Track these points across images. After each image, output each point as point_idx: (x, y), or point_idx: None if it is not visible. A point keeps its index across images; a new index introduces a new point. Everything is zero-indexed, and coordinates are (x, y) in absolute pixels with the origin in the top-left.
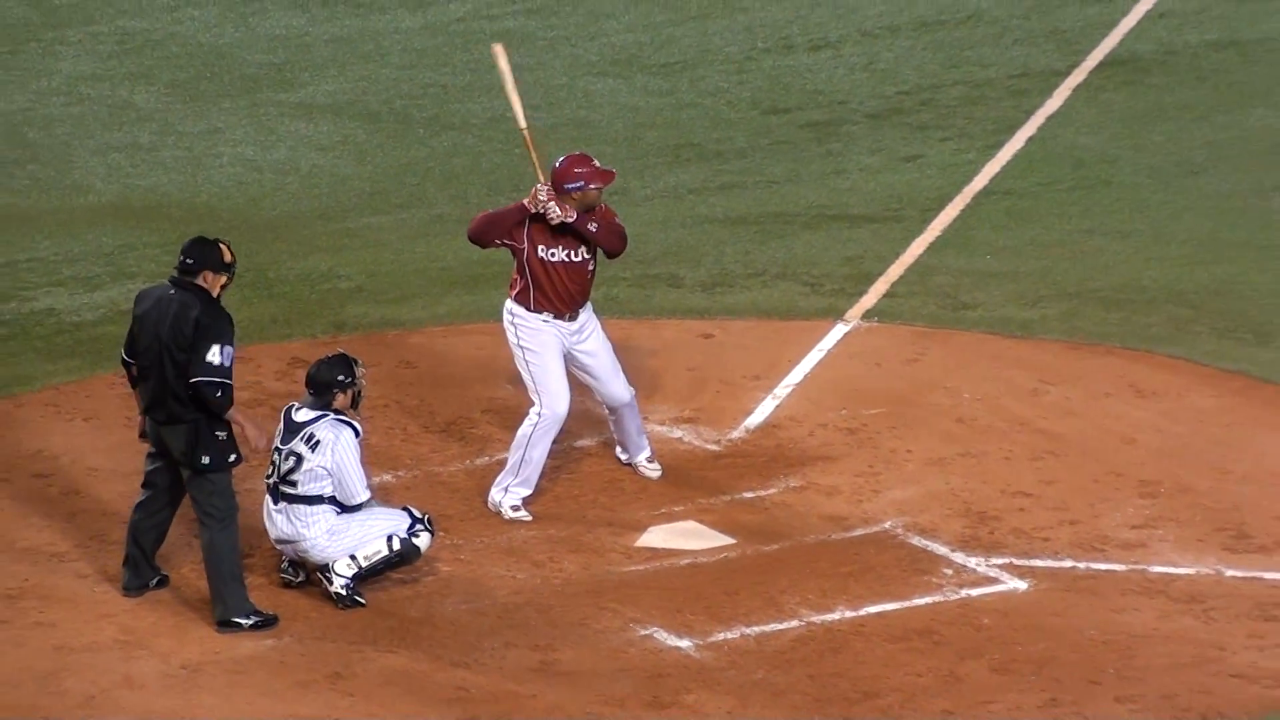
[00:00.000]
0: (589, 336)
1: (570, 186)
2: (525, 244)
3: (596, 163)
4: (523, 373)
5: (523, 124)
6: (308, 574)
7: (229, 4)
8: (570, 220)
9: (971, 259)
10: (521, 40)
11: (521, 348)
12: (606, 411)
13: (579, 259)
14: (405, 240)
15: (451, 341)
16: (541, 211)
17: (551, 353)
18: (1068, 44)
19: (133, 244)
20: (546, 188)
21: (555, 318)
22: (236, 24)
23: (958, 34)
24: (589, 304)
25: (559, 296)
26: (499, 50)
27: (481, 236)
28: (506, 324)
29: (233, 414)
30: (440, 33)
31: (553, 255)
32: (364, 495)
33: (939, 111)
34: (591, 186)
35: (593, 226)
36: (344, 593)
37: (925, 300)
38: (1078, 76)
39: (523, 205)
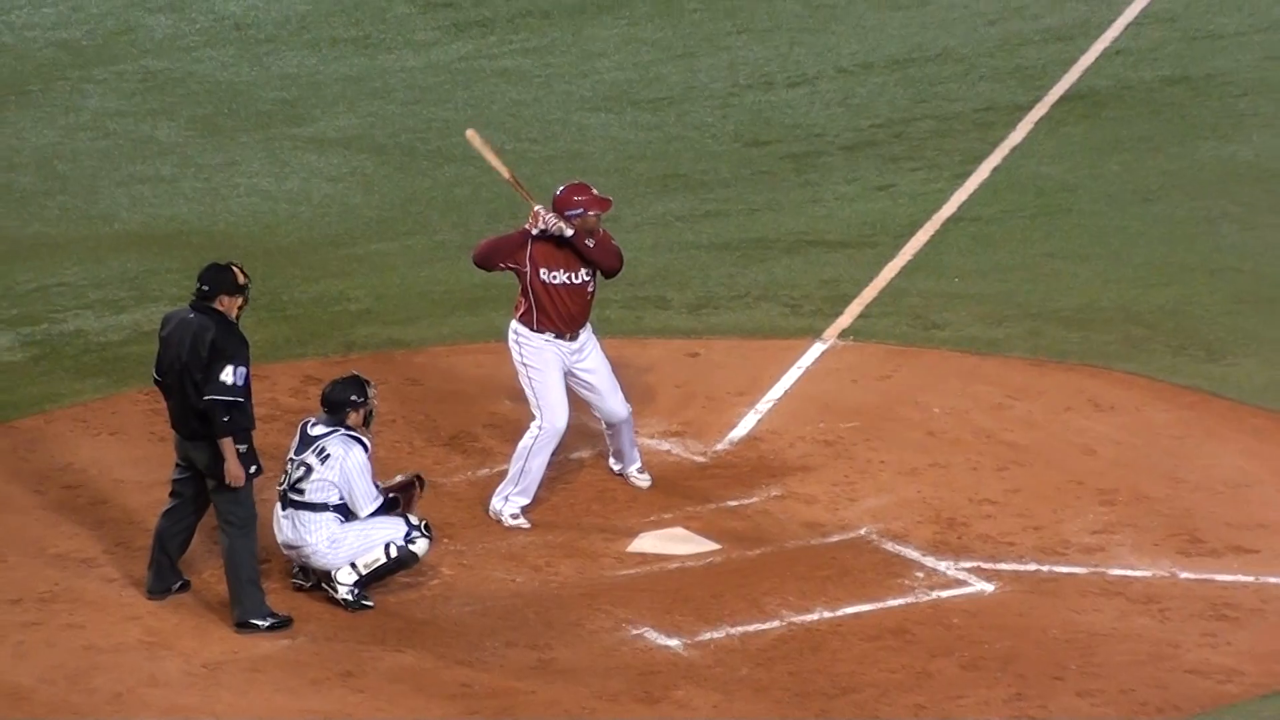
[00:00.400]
0: (589, 355)
1: (571, 213)
2: (528, 267)
3: (595, 190)
4: (525, 389)
5: (506, 175)
6: (317, 580)
7: (245, 44)
8: (569, 234)
9: (941, 282)
10: (519, 78)
11: (525, 365)
12: (604, 426)
13: (579, 281)
14: (411, 265)
15: (454, 360)
16: (544, 228)
17: (553, 370)
18: (1030, 80)
19: (155, 269)
20: (544, 207)
21: (557, 337)
22: (252, 63)
23: (927, 71)
24: (589, 325)
25: (561, 317)
26: (471, 135)
27: (486, 260)
28: (511, 343)
29: (225, 444)
30: (443, 71)
31: (555, 278)
32: (371, 507)
33: (910, 143)
34: (591, 213)
35: (590, 243)
36: (350, 598)
37: (897, 320)
38: (1040, 110)
39: (525, 230)
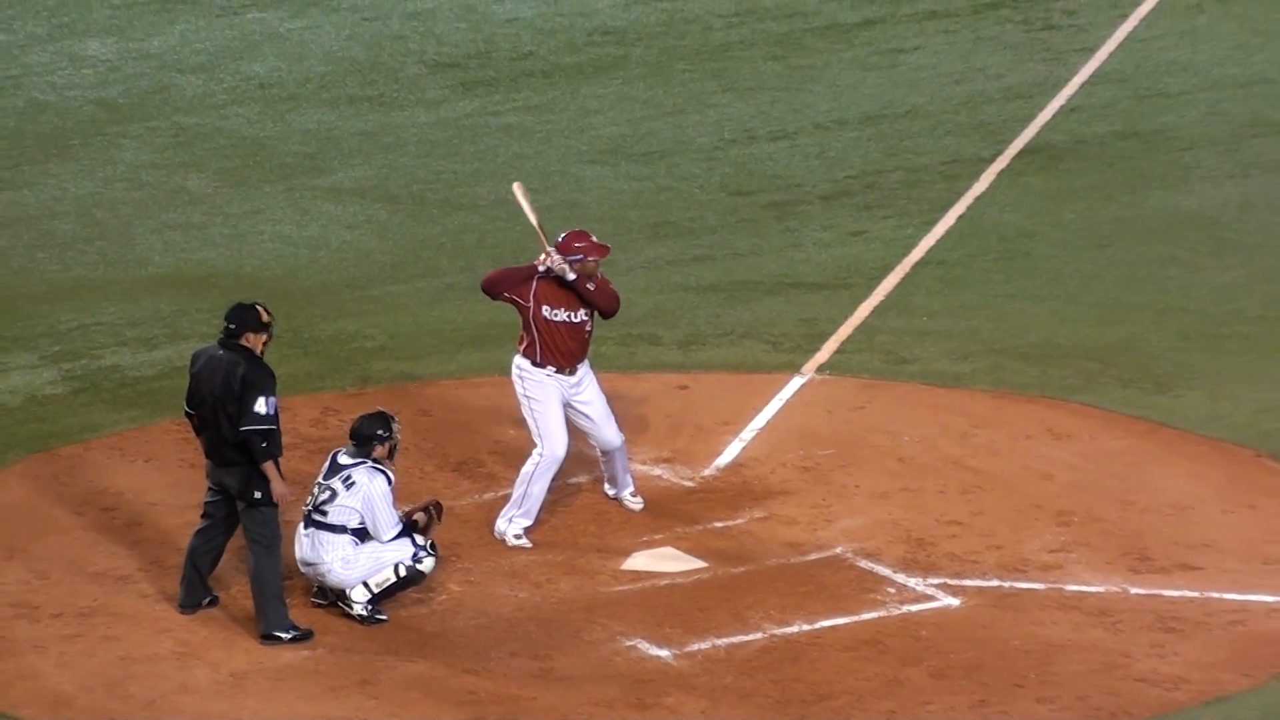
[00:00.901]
0: (586, 388)
1: (572, 258)
2: (531, 303)
3: (594, 238)
4: (527, 419)
5: (535, 222)
6: (333, 599)
7: (269, 102)
8: (572, 278)
9: (910, 320)
10: (521, 133)
11: (527, 397)
12: (600, 453)
13: (578, 319)
14: (422, 305)
15: (462, 393)
16: (550, 266)
17: (553, 402)
18: (992, 135)
19: (186, 309)
20: (552, 250)
21: (557, 371)
22: (275, 120)
23: (897, 126)
24: (587, 360)
25: (560, 352)
26: (516, 186)
27: (493, 287)
28: (515, 377)
29: (267, 467)
30: (451, 127)
31: (556, 315)
32: (392, 533)
33: (882, 193)
34: (590, 258)
35: (590, 286)
36: (365, 613)
37: (870, 356)
38: (1001, 163)
39: (534, 266)
